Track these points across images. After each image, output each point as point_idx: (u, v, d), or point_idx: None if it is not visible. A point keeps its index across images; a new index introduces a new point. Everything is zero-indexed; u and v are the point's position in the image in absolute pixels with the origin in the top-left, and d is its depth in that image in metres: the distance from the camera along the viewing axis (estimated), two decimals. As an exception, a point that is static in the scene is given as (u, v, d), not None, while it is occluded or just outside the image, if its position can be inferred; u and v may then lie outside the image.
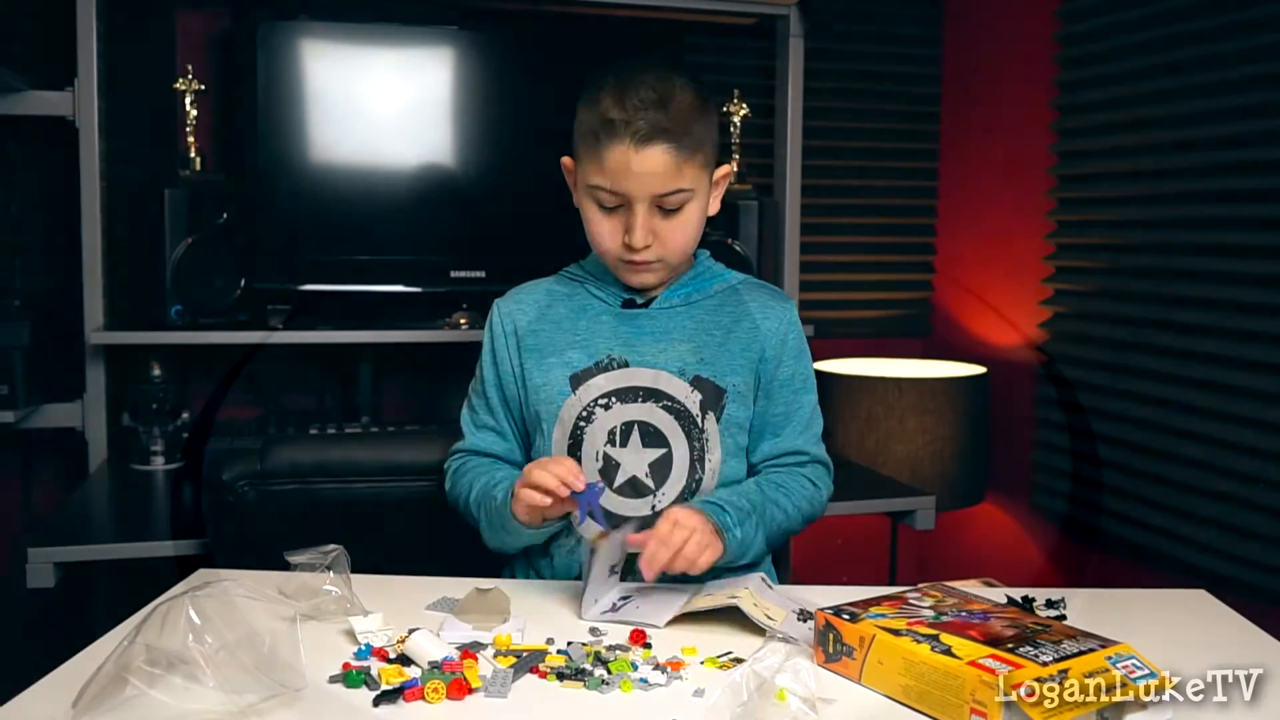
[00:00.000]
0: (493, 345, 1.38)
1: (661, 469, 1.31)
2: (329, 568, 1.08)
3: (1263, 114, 1.81)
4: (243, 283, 2.06)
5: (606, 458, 1.31)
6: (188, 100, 2.08)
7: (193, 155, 2.07)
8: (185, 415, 2.11)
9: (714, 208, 1.34)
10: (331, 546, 1.08)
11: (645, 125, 1.22)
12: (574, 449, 1.31)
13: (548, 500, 1.17)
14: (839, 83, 2.65)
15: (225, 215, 2.04)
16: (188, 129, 2.08)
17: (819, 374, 2.45)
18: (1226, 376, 1.87)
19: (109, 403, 2.10)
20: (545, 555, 1.34)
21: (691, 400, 1.31)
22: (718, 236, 2.26)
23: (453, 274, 2.14)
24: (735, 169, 2.37)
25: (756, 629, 1.09)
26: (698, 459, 1.31)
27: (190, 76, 2.08)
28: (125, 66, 2.13)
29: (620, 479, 1.31)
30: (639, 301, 1.35)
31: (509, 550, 1.34)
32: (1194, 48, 1.94)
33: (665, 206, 1.27)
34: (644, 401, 1.31)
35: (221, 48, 2.23)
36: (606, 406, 1.31)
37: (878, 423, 2.32)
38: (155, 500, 1.94)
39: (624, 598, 1.16)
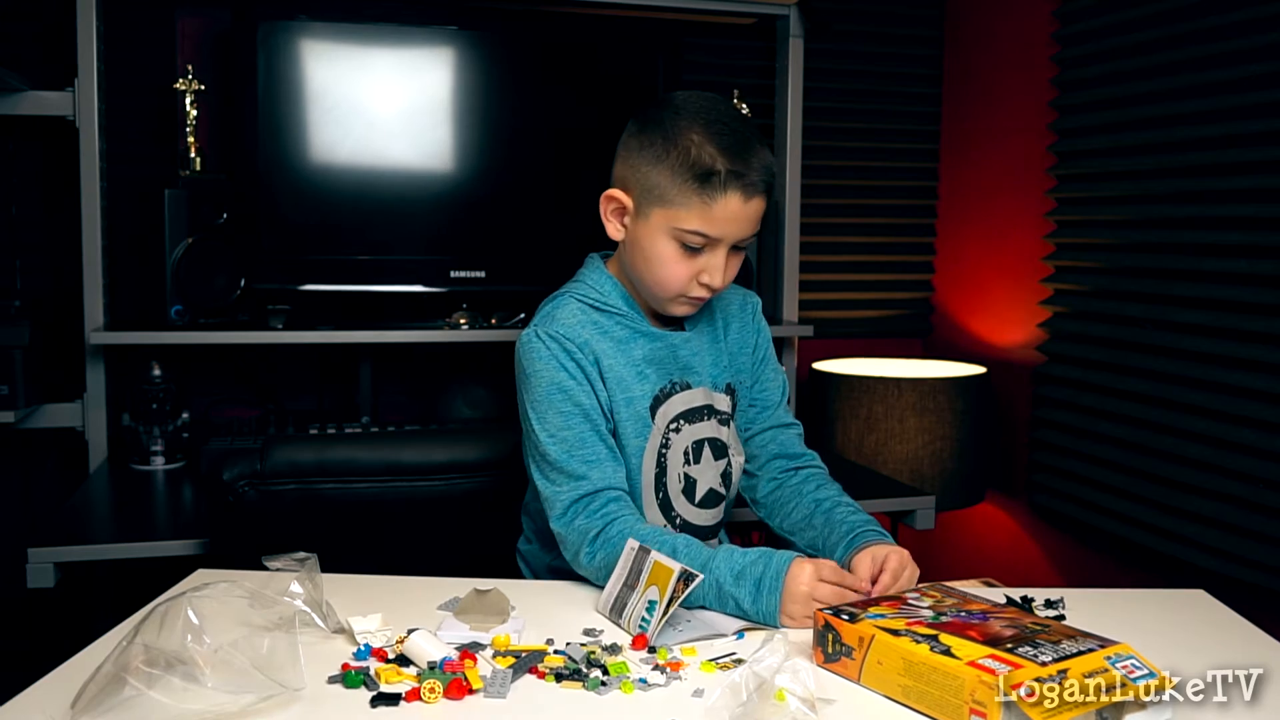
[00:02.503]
0: (584, 372, 1.29)
1: (727, 475, 1.40)
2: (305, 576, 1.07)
3: (1262, 114, 1.81)
4: (243, 283, 2.06)
5: (686, 477, 1.36)
6: (188, 100, 2.08)
7: (193, 155, 2.08)
8: (185, 415, 2.11)
9: None
10: (304, 554, 1.06)
11: (758, 179, 1.25)
12: (660, 475, 1.34)
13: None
14: (839, 83, 2.65)
15: (225, 215, 2.04)
16: (188, 129, 2.08)
17: (819, 374, 2.47)
18: (1226, 376, 1.87)
19: (109, 403, 2.10)
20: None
21: (728, 408, 1.40)
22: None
23: (453, 274, 2.14)
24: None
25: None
26: (735, 454, 1.42)
27: (190, 76, 2.09)
28: (125, 66, 2.14)
29: (699, 493, 1.37)
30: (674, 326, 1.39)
31: None
32: (1193, 48, 1.94)
33: (740, 246, 1.30)
34: (708, 419, 1.37)
35: (221, 48, 2.23)
36: (677, 430, 1.35)
37: (878, 423, 2.32)
38: (155, 500, 1.94)
39: (687, 620, 1.12)
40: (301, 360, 2.33)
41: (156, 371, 2.08)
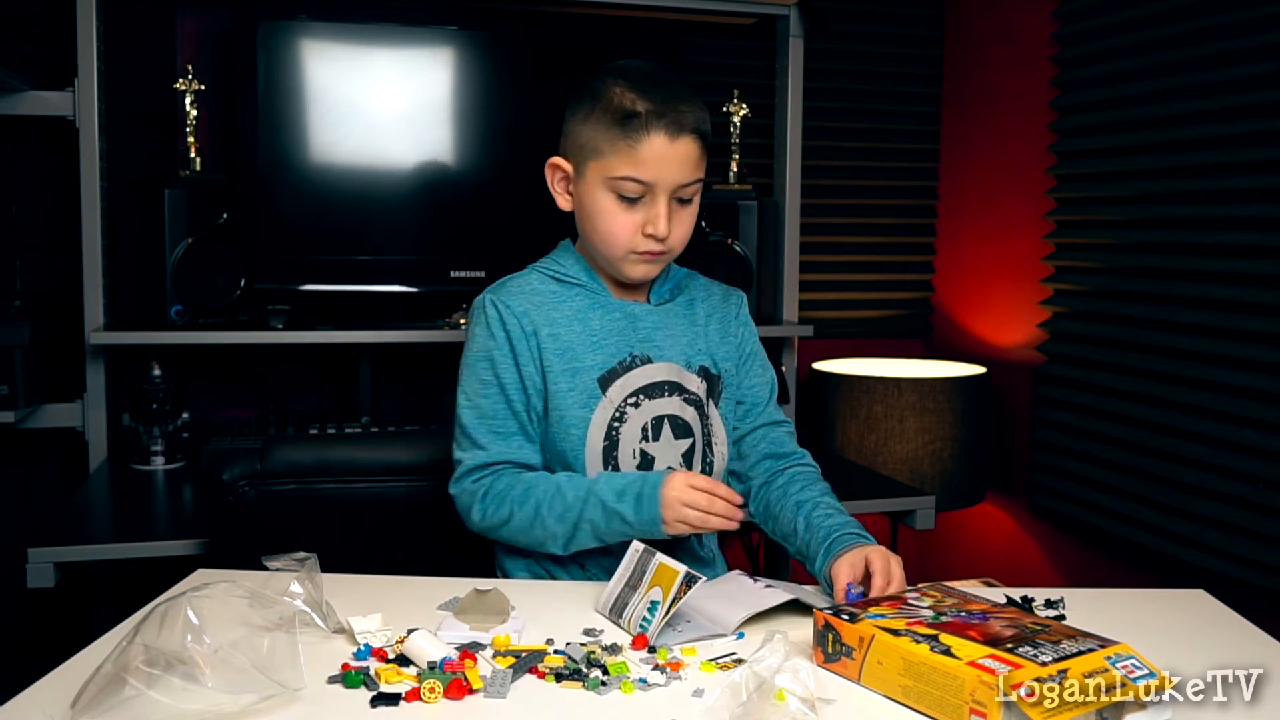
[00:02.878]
0: (511, 345, 1.31)
1: (689, 458, 1.36)
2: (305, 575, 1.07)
3: (1262, 114, 1.81)
4: (243, 283, 2.06)
5: (642, 454, 1.33)
6: (188, 100, 2.08)
7: (193, 155, 2.08)
8: (185, 415, 2.11)
9: None
10: (304, 554, 1.07)
11: (678, 115, 1.25)
12: (610, 449, 1.32)
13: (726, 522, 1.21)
14: (839, 83, 2.65)
15: (225, 215, 2.04)
16: (188, 129, 2.08)
17: (819, 374, 2.47)
18: (1227, 376, 1.87)
19: (109, 403, 2.10)
20: (563, 565, 1.34)
21: (700, 390, 1.36)
22: (718, 237, 2.27)
23: (453, 274, 2.14)
24: (735, 167, 2.38)
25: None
26: (707, 445, 1.37)
27: (190, 76, 2.09)
28: (125, 66, 2.14)
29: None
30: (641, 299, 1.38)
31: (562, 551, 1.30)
32: (1192, 48, 1.94)
33: (683, 197, 1.29)
34: (670, 395, 1.34)
35: (221, 48, 2.23)
36: (636, 405, 1.32)
37: (878, 423, 2.32)
38: (155, 500, 1.94)
39: (686, 621, 1.12)
40: (301, 360, 2.33)
41: (156, 371, 2.07)
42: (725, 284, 1.48)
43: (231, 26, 2.11)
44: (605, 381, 1.32)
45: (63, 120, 2.00)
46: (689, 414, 1.35)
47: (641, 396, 1.32)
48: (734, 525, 1.22)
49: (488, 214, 2.17)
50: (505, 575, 1.39)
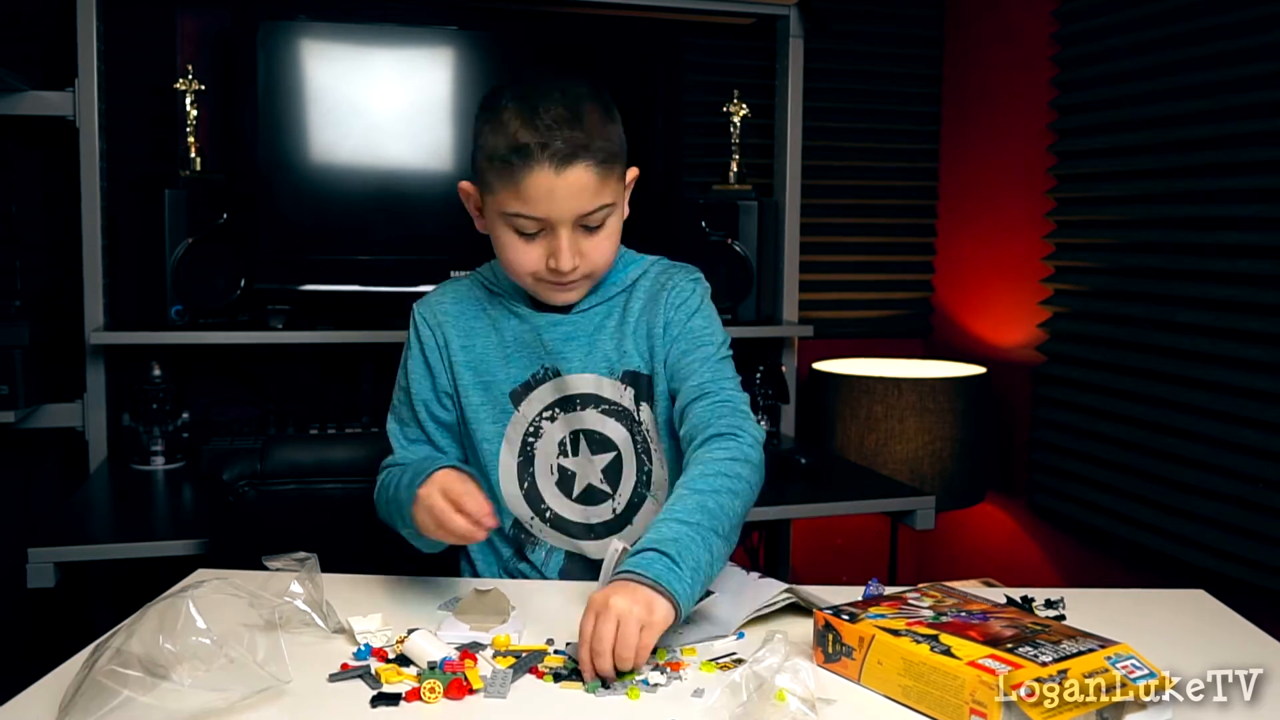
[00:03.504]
0: (424, 356, 1.30)
1: (614, 471, 1.31)
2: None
3: (1262, 114, 1.81)
4: (243, 283, 2.06)
5: (561, 469, 1.31)
6: (188, 100, 2.08)
7: (193, 155, 2.08)
8: (185, 415, 2.11)
9: (624, 211, 1.27)
10: (304, 554, 1.07)
11: (563, 145, 1.15)
12: (525, 465, 1.30)
13: (462, 530, 1.10)
14: (839, 83, 2.65)
15: (225, 215, 2.04)
16: (188, 129, 2.08)
17: (819, 374, 2.46)
18: (1227, 376, 1.87)
19: (109, 403, 2.10)
20: (522, 565, 1.33)
21: (626, 397, 1.30)
22: (718, 237, 2.27)
23: (452, 274, 2.13)
24: (735, 167, 2.38)
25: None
26: (644, 453, 1.31)
27: (190, 76, 2.09)
28: (125, 66, 2.14)
29: (577, 489, 1.31)
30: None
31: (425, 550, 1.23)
32: (1193, 48, 1.94)
33: (589, 225, 1.21)
34: (584, 408, 1.29)
35: (221, 48, 2.23)
36: (552, 419, 1.29)
37: (878, 423, 2.32)
38: (155, 500, 1.94)
39: (686, 621, 1.08)
40: (301, 360, 2.33)
41: (156, 371, 2.07)
42: (680, 267, 1.35)
43: (231, 26, 2.11)
44: (517, 396, 1.29)
45: (63, 120, 2.00)
46: (609, 426, 1.30)
47: (558, 410, 1.29)
48: (476, 539, 1.13)
49: (488, 214, 2.17)
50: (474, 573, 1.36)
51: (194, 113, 2.09)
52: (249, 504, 1.44)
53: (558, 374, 1.29)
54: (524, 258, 1.22)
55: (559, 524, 1.32)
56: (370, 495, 1.30)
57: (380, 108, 2.09)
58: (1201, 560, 1.91)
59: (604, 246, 1.23)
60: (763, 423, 2.10)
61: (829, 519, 2.59)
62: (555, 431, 1.30)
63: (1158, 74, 2.03)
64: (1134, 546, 2.09)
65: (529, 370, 1.29)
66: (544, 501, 1.31)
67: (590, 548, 1.31)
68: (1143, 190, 2.08)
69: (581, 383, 1.29)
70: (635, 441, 1.31)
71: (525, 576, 1.33)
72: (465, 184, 1.29)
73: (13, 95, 1.96)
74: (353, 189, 2.09)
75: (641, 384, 1.30)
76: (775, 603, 1.13)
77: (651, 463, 1.32)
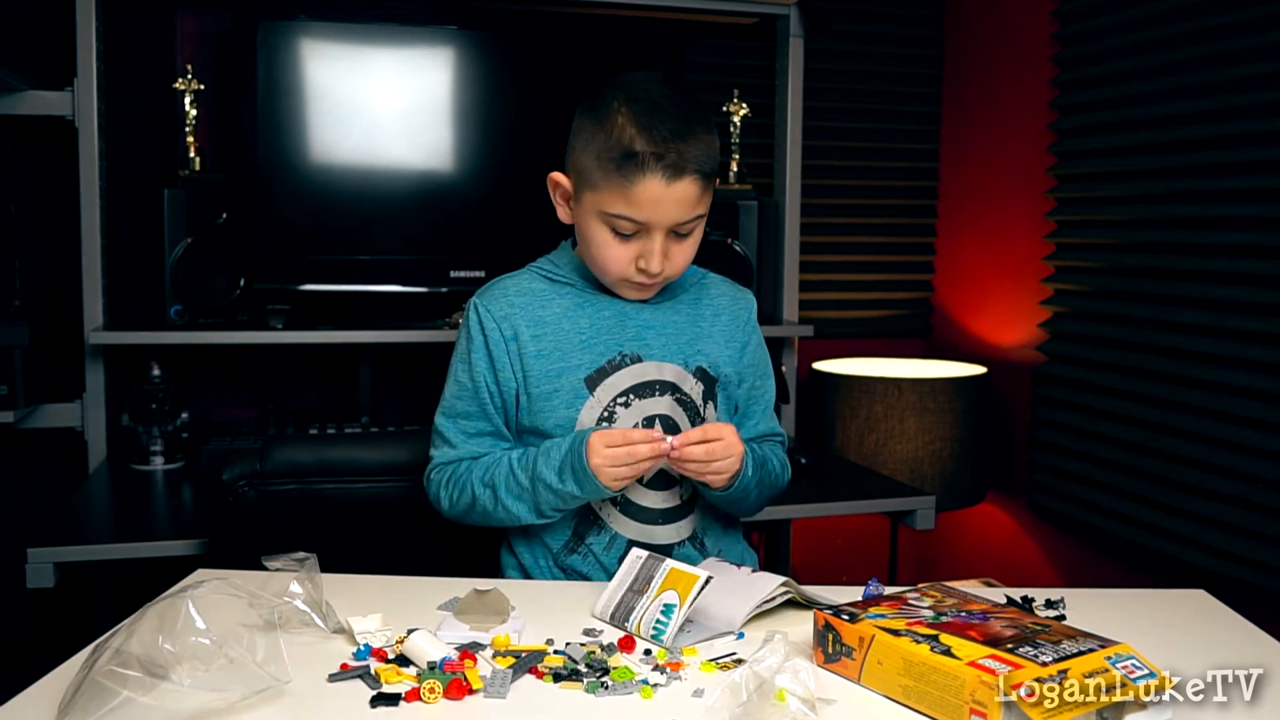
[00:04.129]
0: (488, 349, 1.33)
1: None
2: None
3: (1262, 114, 1.81)
4: (243, 283, 2.06)
5: None
6: (188, 100, 2.08)
7: (193, 155, 2.08)
8: (185, 415, 2.11)
9: None
10: (303, 554, 1.07)
11: (677, 159, 1.22)
12: None
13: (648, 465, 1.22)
14: (839, 83, 2.65)
15: (225, 215, 2.04)
16: (188, 129, 2.08)
17: (819, 374, 2.47)
18: (1227, 377, 1.87)
19: (109, 403, 2.10)
20: (576, 553, 1.35)
21: (695, 391, 1.35)
22: (718, 236, 2.26)
23: (452, 274, 2.14)
24: (735, 167, 2.38)
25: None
26: None
27: (190, 76, 2.09)
28: (125, 66, 2.14)
29: (648, 474, 1.32)
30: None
31: (535, 520, 1.31)
32: (1193, 48, 1.94)
33: (680, 231, 1.27)
34: (661, 395, 1.33)
35: (221, 48, 2.23)
36: (626, 404, 1.32)
37: (878, 423, 2.32)
38: (155, 500, 1.94)
39: (691, 621, 1.11)
40: (301, 360, 2.33)
41: (156, 371, 2.07)
42: (737, 285, 1.46)
43: (231, 26, 2.11)
44: (593, 381, 1.31)
45: (62, 120, 2.00)
46: (679, 415, 1.34)
47: (632, 396, 1.32)
48: (665, 456, 1.22)
49: (487, 214, 2.17)
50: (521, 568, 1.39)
51: (194, 113, 2.09)
52: (249, 504, 1.44)
53: (639, 359, 1.32)
54: (617, 255, 1.28)
55: (629, 509, 1.34)
56: (371, 495, 1.31)
57: (380, 108, 2.09)
58: (1201, 560, 1.91)
59: (688, 253, 1.31)
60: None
61: (829, 519, 2.59)
62: (629, 416, 1.32)
63: (1158, 74, 2.03)
64: (1134, 546, 2.09)
65: (607, 355, 1.32)
66: None
67: (659, 533, 1.35)
68: (1143, 190, 2.08)
69: (661, 370, 1.33)
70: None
71: (576, 570, 1.34)
72: (557, 175, 1.33)
73: (12, 95, 1.96)
74: (353, 189, 2.09)
75: (709, 383, 1.36)
76: (775, 597, 1.13)
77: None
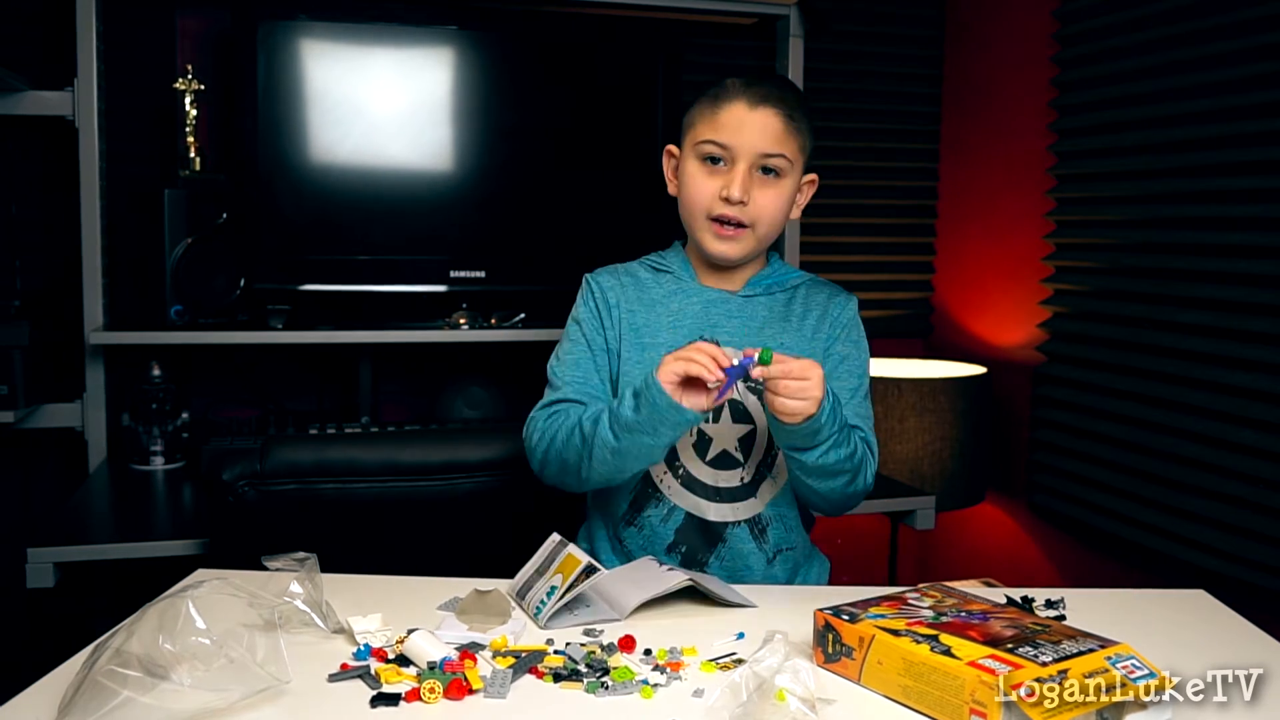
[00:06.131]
0: (598, 310, 1.42)
1: (747, 443, 1.39)
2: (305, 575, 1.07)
3: (1262, 114, 1.81)
4: (243, 283, 2.06)
5: (700, 433, 1.38)
6: (188, 100, 2.08)
7: (193, 155, 2.08)
8: (185, 415, 2.11)
9: (796, 211, 1.44)
10: (304, 554, 1.07)
11: (762, 89, 1.34)
12: None
13: (704, 371, 1.19)
14: (839, 83, 2.65)
15: (225, 215, 2.04)
16: (188, 129, 2.08)
17: (819, 374, 2.46)
18: (1227, 377, 1.87)
19: (109, 403, 2.10)
20: (632, 525, 1.39)
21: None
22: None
23: (453, 274, 2.14)
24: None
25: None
26: (771, 435, 1.39)
27: (190, 76, 2.09)
28: (125, 66, 2.13)
29: (713, 452, 1.38)
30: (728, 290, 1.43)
31: (618, 476, 1.32)
32: (1193, 48, 1.94)
33: (766, 167, 1.35)
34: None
35: (221, 48, 2.23)
36: None
37: (878, 423, 2.30)
38: (155, 500, 1.94)
39: (585, 605, 1.16)
40: (301, 360, 2.33)
41: (156, 371, 2.08)
42: (839, 287, 1.51)
43: (231, 26, 2.11)
44: None
45: (62, 120, 2.00)
46: (751, 401, 1.39)
47: None
48: (719, 368, 1.19)
49: (487, 214, 2.17)
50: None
51: (194, 113, 2.09)
52: (249, 504, 1.44)
53: (716, 343, 1.34)
54: (703, 186, 1.36)
55: (689, 483, 1.39)
56: (371, 496, 1.31)
57: (380, 108, 2.09)
58: (1201, 560, 1.91)
59: (773, 203, 1.37)
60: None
61: (829, 519, 2.58)
62: None
63: (1158, 74, 2.03)
64: (1134, 546, 2.09)
65: (688, 338, 1.38)
66: (679, 459, 1.38)
67: (711, 509, 1.38)
68: (1143, 190, 2.07)
69: (732, 355, 1.33)
70: (766, 423, 1.37)
71: (630, 544, 1.39)
72: (671, 146, 1.45)
73: (12, 95, 1.96)
74: (353, 189, 2.09)
75: None
76: (672, 588, 1.16)
77: (776, 447, 1.39)
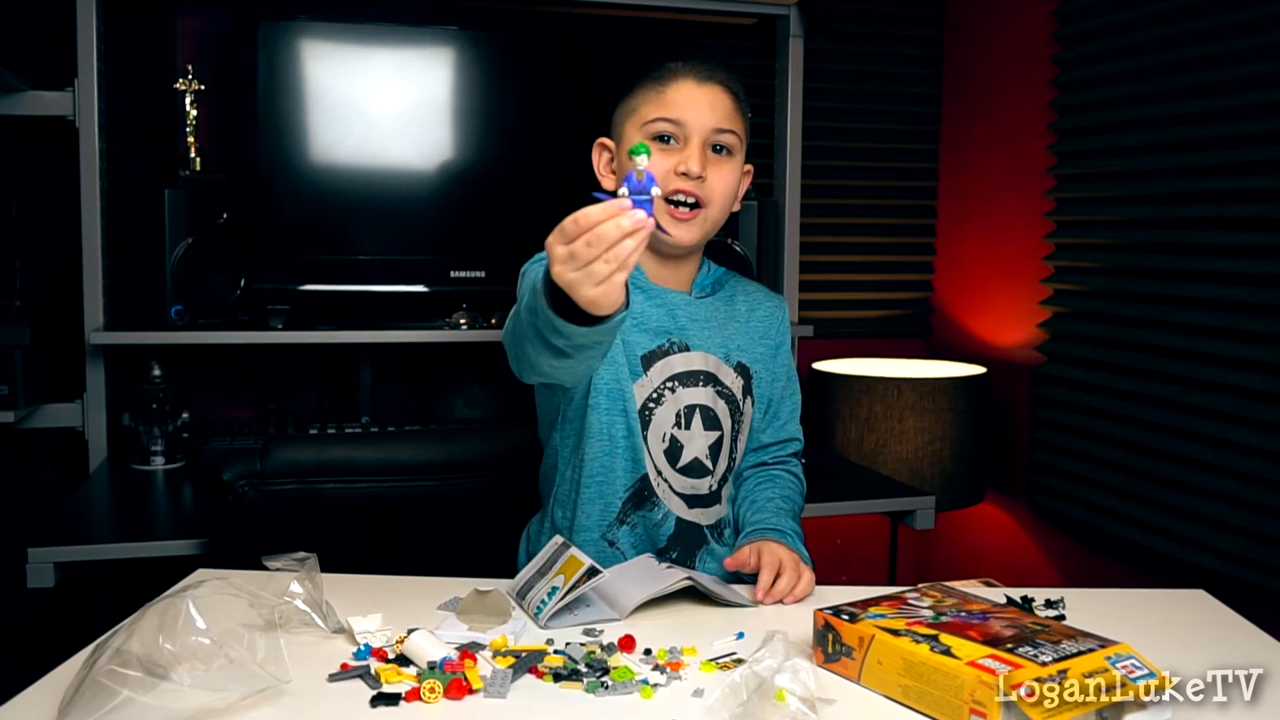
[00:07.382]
0: None
1: (715, 451, 1.38)
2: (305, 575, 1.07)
3: (1262, 114, 1.81)
4: (243, 283, 2.06)
5: (672, 439, 1.36)
6: (188, 100, 2.08)
7: (193, 155, 2.07)
8: (185, 415, 2.11)
9: (737, 203, 1.40)
10: (304, 554, 1.07)
11: (706, 67, 1.34)
12: (643, 426, 1.34)
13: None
14: (839, 83, 2.65)
15: (225, 215, 2.04)
16: (188, 129, 2.08)
17: (819, 374, 2.47)
18: (1227, 377, 1.87)
19: (109, 403, 2.10)
20: (624, 525, 1.36)
21: (736, 385, 1.39)
22: (718, 237, 2.26)
23: (453, 274, 2.14)
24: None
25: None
26: (734, 441, 1.40)
27: (190, 76, 2.08)
28: (125, 66, 2.13)
29: (684, 460, 1.36)
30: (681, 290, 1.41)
31: (565, 368, 1.14)
32: (1193, 48, 1.94)
33: (717, 144, 1.33)
34: (704, 385, 1.37)
35: (221, 48, 2.23)
36: (673, 390, 1.35)
37: (878, 423, 2.32)
38: (155, 500, 1.94)
39: (585, 605, 1.16)
40: (301, 360, 2.33)
41: (156, 371, 2.07)
42: (769, 290, 1.51)
43: (231, 26, 2.11)
44: (647, 361, 1.34)
45: (63, 120, 2.00)
46: (720, 407, 1.38)
47: (677, 384, 1.35)
48: (642, 224, 0.92)
49: (487, 214, 2.17)
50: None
51: (194, 113, 2.09)
52: (249, 504, 1.44)
53: (686, 348, 1.36)
54: (655, 167, 1.30)
55: (674, 488, 1.38)
56: (371, 495, 1.31)
57: (380, 108, 2.09)
58: (1201, 560, 1.91)
59: (725, 180, 1.34)
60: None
61: (829, 519, 2.58)
62: (673, 403, 1.35)
63: (1158, 74, 2.03)
64: (1134, 546, 2.09)
65: (658, 340, 1.36)
66: (654, 463, 1.36)
67: (691, 515, 1.38)
68: (1143, 190, 2.08)
69: (705, 361, 1.37)
70: (734, 429, 1.40)
71: (620, 544, 1.36)
72: (602, 138, 1.41)
73: (13, 95, 1.96)
74: (353, 189, 2.09)
75: (748, 379, 1.41)
76: (671, 587, 1.16)
77: (737, 452, 1.42)
